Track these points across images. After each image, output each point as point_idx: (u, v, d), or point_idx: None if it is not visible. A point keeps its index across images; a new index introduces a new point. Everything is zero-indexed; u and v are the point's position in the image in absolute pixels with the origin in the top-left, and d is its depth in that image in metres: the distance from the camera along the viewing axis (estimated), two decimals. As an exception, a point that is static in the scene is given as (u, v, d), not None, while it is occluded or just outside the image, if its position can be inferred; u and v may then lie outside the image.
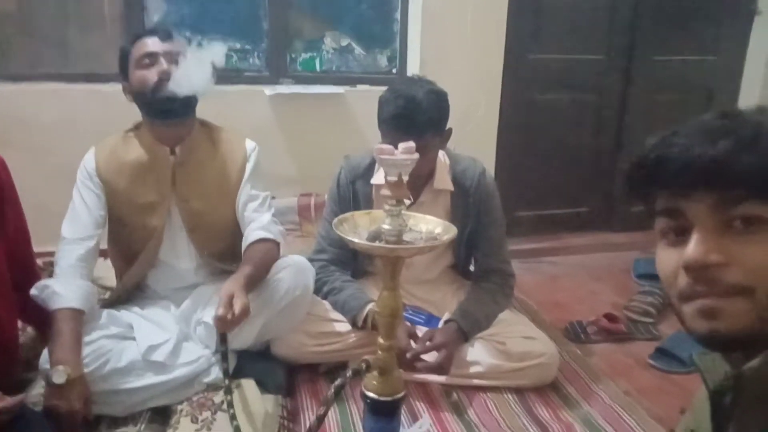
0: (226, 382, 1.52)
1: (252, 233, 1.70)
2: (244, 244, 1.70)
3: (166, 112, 1.63)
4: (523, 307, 2.29)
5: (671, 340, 2.05)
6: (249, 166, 1.77)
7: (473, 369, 1.76)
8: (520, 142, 3.03)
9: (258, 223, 1.72)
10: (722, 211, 0.65)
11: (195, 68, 1.58)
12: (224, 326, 1.48)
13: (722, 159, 0.64)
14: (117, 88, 2.46)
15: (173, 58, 1.61)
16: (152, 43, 1.63)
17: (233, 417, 1.46)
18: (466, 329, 1.75)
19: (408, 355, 1.68)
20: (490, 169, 2.46)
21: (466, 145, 2.02)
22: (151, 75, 1.60)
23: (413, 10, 2.84)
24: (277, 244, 1.72)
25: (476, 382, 1.77)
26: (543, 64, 2.98)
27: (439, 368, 1.71)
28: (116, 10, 2.60)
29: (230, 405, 1.49)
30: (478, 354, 1.77)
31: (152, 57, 1.62)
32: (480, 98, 2.85)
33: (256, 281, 1.62)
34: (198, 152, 1.71)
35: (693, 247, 0.65)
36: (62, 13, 2.57)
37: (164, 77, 1.58)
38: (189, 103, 1.64)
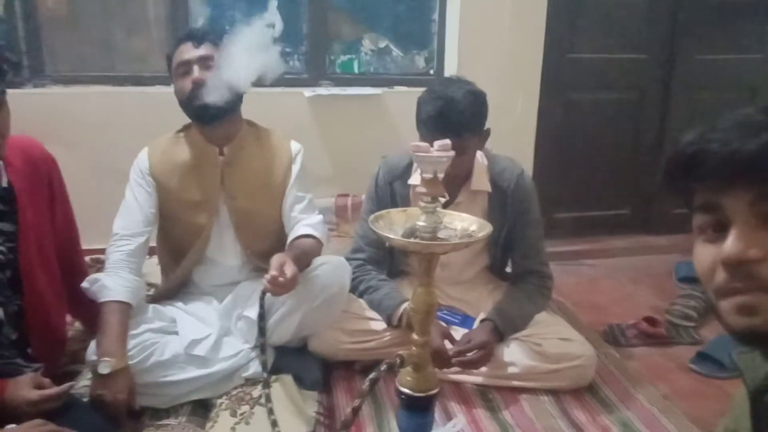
0: (265, 375, 1.56)
1: (300, 228, 1.76)
2: (290, 237, 1.75)
3: (204, 117, 1.68)
4: (560, 308, 2.26)
5: (713, 344, 2.00)
6: (295, 168, 1.82)
7: (509, 370, 1.76)
8: (559, 143, 2.99)
9: (307, 221, 1.78)
10: (761, 206, 0.64)
11: (230, 71, 1.60)
12: (276, 289, 1.51)
13: (761, 153, 0.63)
14: (161, 90, 2.55)
15: (206, 63, 1.65)
16: (186, 51, 1.68)
17: (270, 411, 1.49)
18: (502, 329, 1.75)
19: (450, 353, 1.68)
20: (528, 169, 2.44)
21: (503, 146, 2.02)
22: (186, 84, 1.65)
23: (451, 10, 2.84)
24: (321, 244, 1.76)
25: (512, 383, 1.76)
26: (582, 64, 2.94)
27: (476, 364, 1.71)
28: (161, 12, 2.68)
29: (268, 399, 1.52)
30: (514, 354, 1.77)
31: (186, 65, 1.67)
32: (518, 98, 2.83)
33: (299, 266, 1.64)
34: (246, 152, 1.76)
35: (731, 243, 0.65)
36: (108, 17, 2.66)
37: (196, 86, 1.63)
38: (227, 106, 1.66)
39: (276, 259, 1.53)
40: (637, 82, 3.04)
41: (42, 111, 2.43)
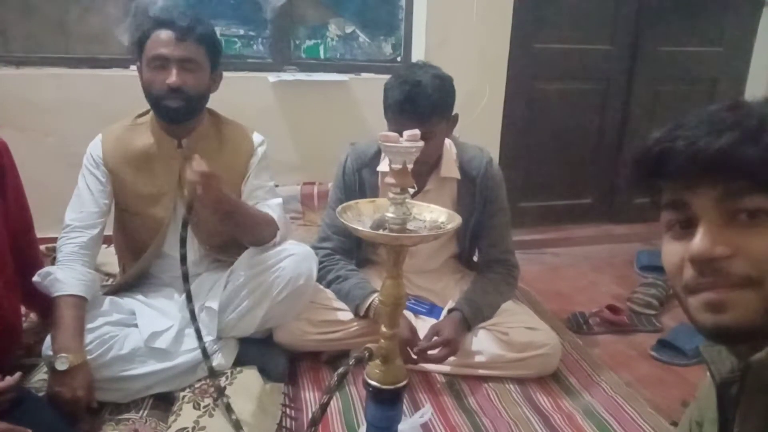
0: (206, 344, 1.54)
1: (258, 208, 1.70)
2: None
3: (171, 119, 1.61)
4: (525, 297, 2.28)
5: (673, 332, 2.05)
6: (254, 161, 1.75)
7: (476, 359, 1.77)
8: (524, 132, 3.01)
9: (265, 203, 1.71)
10: (728, 203, 0.64)
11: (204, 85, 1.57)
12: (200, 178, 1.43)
13: (727, 151, 0.63)
14: (118, 72, 2.46)
15: (187, 66, 1.56)
16: (166, 43, 1.55)
17: (228, 407, 1.46)
18: (469, 318, 1.75)
19: (415, 350, 1.68)
20: (494, 158, 2.44)
21: (470, 134, 2.01)
22: (159, 82, 1.55)
23: (418, -3, 2.82)
24: (275, 224, 1.69)
25: (478, 371, 1.77)
26: (547, 54, 2.95)
27: (442, 360, 1.71)
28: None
29: (221, 392, 1.49)
30: (481, 343, 1.78)
31: (163, 61, 1.55)
32: (484, 87, 2.83)
33: (238, 213, 1.58)
34: (205, 145, 1.68)
35: (699, 240, 0.65)
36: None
37: (172, 89, 1.53)
38: (196, 107, 1.60)
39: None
40: (602, 72, 3.07)
41: (-7, 94, 2.33)
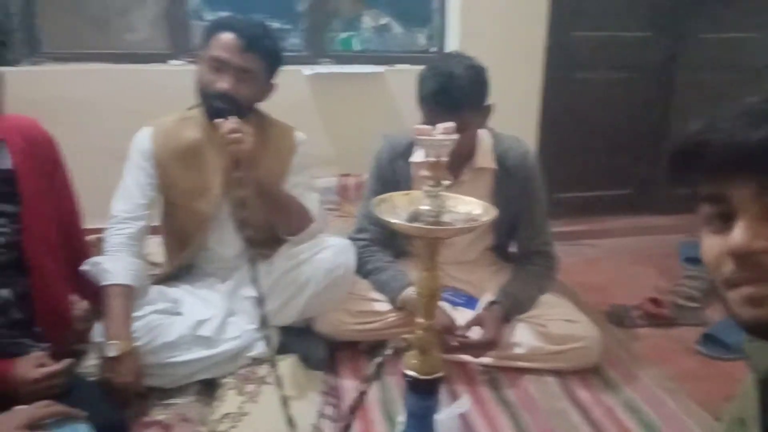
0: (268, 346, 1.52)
1: None
2: None
3: (214, 117, 1.60)
4: (563, 289, 2.25)
5: (719, 326, 2.00)
6: (295, 159, 1.77)
7: (514, 350, 1.76)
8: (562, 122, 2.97)
9: (302, 198, 1.73)
10: (766, 196, 0.63)
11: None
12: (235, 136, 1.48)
13: (765, 144, 0.62)
14: (157, 67, 2.51)
15: (245, 76, 1.58)
16: (230, 48, 1.56)
17: (279, 382, 1.44)
18: (509, 311, 1.75)
19: (455, 340, 1.68)
20: (532, 148, 2.40)
21: (506, 125, 1.99)
22: (214, 84, 1.57)
23: (453, -14, 2.80)
24: (310, 215, 1.72)
25: (517, 363, 1.76)
26: (586, 41, 2.90)
27: (482, 353, 1.71)
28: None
29: (273, 365, 1.47)
30: (519, 336, 1.77)
31: (223, 65, 1.57)
32: (521, 77, 2.80)
33: (275, 191, 1.64)
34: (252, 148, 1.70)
35: (738, 234, 0.64)
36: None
37: (226, 94, 1.55)
38: (241, 114, 1.59)
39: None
40: (642, 61, 3.00)
41: (39, 89, 2.40)
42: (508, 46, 2.74)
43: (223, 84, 1.56)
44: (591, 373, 1.77)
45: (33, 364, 1.29)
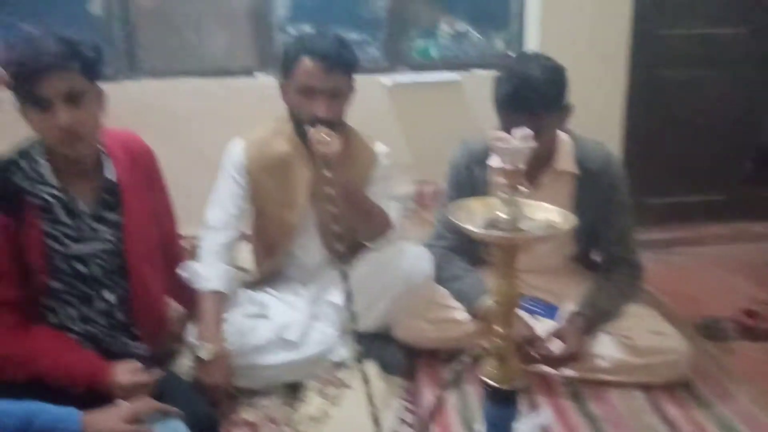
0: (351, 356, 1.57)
1: None
2: None
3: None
4: (651, 300, 2.17)
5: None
6: (376, 170, 1.82)
7: (598, 363, 1.71)
8: (649, 124, 2.86)
9: (385, 208, 1.77)
10: None
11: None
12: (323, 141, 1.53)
13: None
14: (246, 81, 2.62)
15: (334, 93, 1.62)
16: (315, 75, 1.60)
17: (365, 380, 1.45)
18: (592, 322, 1.70)
19: (536, 351, 1.66)
20: (616, 152, 2.33)
21: (589, 128, 1.94)
22: (308, 110, 1.61)
23: (532, -11, 2.76)
24: (389, 223, 1.75)
25: (600, 376, 1.72)
26: (673, 39, 2.79)
27: (564, 365, 1.68)
28: (244, 5, 2.75)
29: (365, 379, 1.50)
30: (603, 348, 1.72)
31: (312, 92, 1.61)
32: (604, 78, 2.72)
33: (358, 194, 1.68)
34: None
35: None
36: (197, 11, 2.76)
37: (321, 119, 1.59)
38: (336, 131, 1.64)
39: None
40: (734, 58, 2.84)
41: (137, 103, 2.57)
42: (590, 46, 2.68)
43: (319, 110, 1.60)
44: (680, 388, 1.70)
45: (128, 371, 1.39)
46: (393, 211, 1.79)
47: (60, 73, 1.29)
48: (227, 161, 1.79)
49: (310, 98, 1.61)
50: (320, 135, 1.53)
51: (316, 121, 1.58)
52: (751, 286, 2.41)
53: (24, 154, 1.42)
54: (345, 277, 1.47)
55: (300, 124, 1.65)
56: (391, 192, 1.85)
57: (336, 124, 1.63)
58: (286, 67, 1.66)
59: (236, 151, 1.79)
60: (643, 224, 2.63)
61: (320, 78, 1.60)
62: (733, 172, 2.95)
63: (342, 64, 1.62)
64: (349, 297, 1.47)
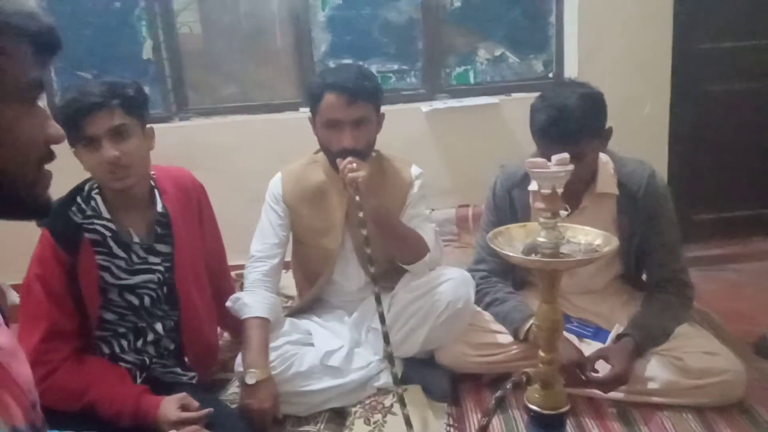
0: (393, 377, 1.57)
1: None
2: None
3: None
4: (704, 319, 2.11)
5: None
6: (413, 191, 1.84)
7: (648, 385, 1.67)
8: (695, 139, 2.80)
9: (419, 229, 1.79)
10: None
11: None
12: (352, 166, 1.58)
13: None
14: (291, 116, 2.70)
15: (359, 123, 1.66)
16: (338, 107, 1.64)
17: (406, 415, 1.49)
18: (641, 345, 1.66)
19: (586, 375, 1.63)
20: (662, 169, 2.28)
21: (632, 145, 1.92)
22: (336, 142, 1.66)
23: (569, 10, 2.77)
24: (426, 245, 1.76)
25: (651, 399, 1.67)
26: (716, 53, 2.74)
27: (612, 388, 1.65)
28: (287, 42, 2.86)
29: (402, 402, 1.53)
30: (654, 370, 1.67)
31: (337, 124, 1.65)
32: (646, 95, 2.69)
33: (392, 222, 1.72)
34: (369, 180, 1.75)
35: None
36: (241, 51, 2.88)
37: (347, 149, 1.63)
38: (367, 158, 1.70)
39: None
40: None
41: (188, 141, 2.69)
42: (631, 64, 2.66)
43: (345, 142, 1.64)
44: (735, 409, 1.64)
45: (176, 406, 1.42)
46: (429, 233, 1.81)
47: (103, 112, 1.40)
48: (268, 193, 1.87)
49: (337, 130, 1.66)
50: (348, 164, 1.58)
51: (344, 153, 1.63)
52: (807, 303, 2.31)
53: (79, 190, 1.53)
54: (378, 299, 1.50)
55: (331, 156, 1.70)
56: (427, 212, 1.87)
57: (364, 153, 1.68)
58: (312, 103, 1.72)
59: (275, 183, 1.86)
60: (692, 241, 2.58)
61: (343, 110, 1.65)
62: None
63: (364, 94, 1.66)
64: (382, 318, 1.50)
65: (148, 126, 1.53)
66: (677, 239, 1.83)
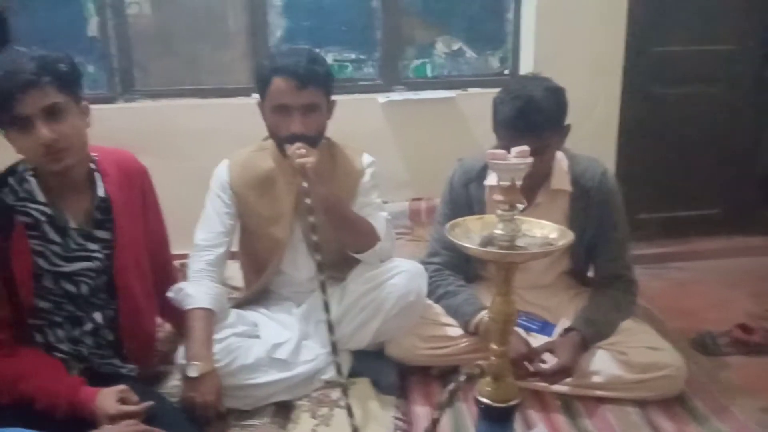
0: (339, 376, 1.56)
1: None
2: None
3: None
4: (646, 315, 2.16)
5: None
6: (365, 179, 1.82)
7: (593, 379, 1.70)
8: (644, 140, 2.89)
9: (370, 218, 1.76)
10: None
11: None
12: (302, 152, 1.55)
13: None
14: (243, 101, 2.64)
15: (309, 108, 1.62)
16: (288, 92, 1.61)
17: (349, 410, 1.48)
18: (587, 338, 1.69)
19: (533, 367, 1.65)
20: (610, 168, 2.32)
21: (584, 144, 1.95)
22: (284, 128, 1.63)
23: (527, 8, 2.79)
24: (376, 235, 1.74)
25: (595, 392, 1.70)
26: (668, 57, 2.82)
27: (557, 379, 1.66)
28: (242, 26, 2.78)
29: (344, 394, 1.52)
30: (599, 364, 1.71)
31: (286, 109, 1.62)
32: (598, 95, 2.74)
33: (339, 208, 1.69)
34: (320, 168, 1.72)
35: None
36: (193, 32, 2.79)
37: (297, 135, 1.60)
38: (316, 145, 1.66)
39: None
40: (729, 75, 2.87)
41: (133, 124, 2.59)
42: (584, 64, 2.70)
43: (294, 127, 1.61)
44: (675, 403, 1.69)
45: (115, 398, 1.35)
46: (381, 222, 1.78)
47: (35, 90, 1.29)
48: (213, 180, 1.81)
49: (286, 116, 1.62)
50: (297, 149, 1.55)
51: (293, 138, 1.59)
52: (745, 301, 2.41)
53: (12, 172, 1.43)
54: (324, 287, 1.46)
55: (280, 141, 1.66)
56: (379, 201, 1.85)
57: (314, 139, 1.64)
58: (260, 87, 1.68)
59: (221, 170, 1.81)
60: (638, 240, 2.63)
61: (292, 96, 1.61)
62: (728, 187, 2.96)
63: (314, 80, 1.62)
64: (326, 307, 1.46)
65: (83, 102, 1.43)
66: (626, 237, 1.87)
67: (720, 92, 2.90)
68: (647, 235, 2.87)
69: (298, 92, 1.61)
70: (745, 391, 1.76)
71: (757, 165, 2.92)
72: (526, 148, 1.13)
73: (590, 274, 1.99)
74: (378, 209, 1.83)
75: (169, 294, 1.68)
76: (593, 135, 2.64)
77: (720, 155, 2.94)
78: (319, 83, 1.63)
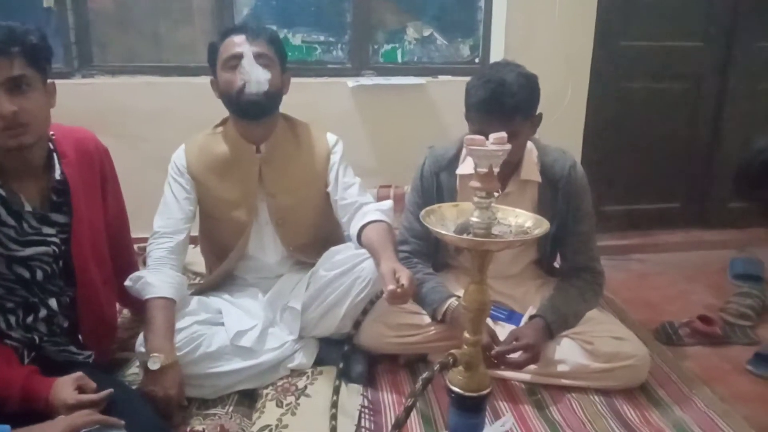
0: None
1: (371, 213, 1.73)
2: (357, 222, 1.73)
3: (251, 114, 1.67)
4: (610, 306, 2.20)
5: (773, 345, 1.92)
6: (334, 158, 1.80)
7: (559, 368, 1.72)
8: (609, 133, 2.91)
9: (374, 205, 1.76)
10: None
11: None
12: (396, 300, 1.49)
13: None
14: (207, 80, 2.56)
15: (261, 61, 1.62)
16: (239, 44, 1.62)
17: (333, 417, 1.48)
18: (552, 326, 1.70)
19: (493, 353, 1.65)
20: (577, 160, 2.33)
21: (552, 135, 1.95)
22: (237, 78, 1.62)
23: (498, -3, 2.78)
24: (392, 229, 1.73)
25: (561, 381, 1.72)
26: (634, 51, 2.84)
27: (522, 365, 1.67)
28: (206, 3, 2.69)
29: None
30: (564, 353, 1.72)
31: (238, 59, 1.62)
32: (566, 87, 2.75)
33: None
34: (283, 148, 1.74)
35: None
36: (155, 8, 2.68)
37: (252, 85, 1.59)
38: (274, 103, 1.66)
39: (387, 271, 1.50)
40: (693, 70, 2.91)
41: (91, 101, 2.49)
42: (554, 55, 2.70)
43: (247, 76, 1.60)
44: (638, 392, 1.72)
45: (72, 387, 1.29)
46: (369, 197, 1.79)
47: (2, 59, 1.23)
48: (171, 165, 1.76)
49: (237, 69, 1.61)
50: (392, 298, 1.49)
51: (249, 93, 1.60)
52: (705, 293, 2.46)
53: None
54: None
55: (241, 104, 1.63)
56: (355, 178, 1.84)
57: (271, 96, 1.64)
58: (212, 59, 1.69)
59: (178, 154, 1.76)
60: (604, 231, 2.68)
61: (244, 45, 1.62)
62: (689, 181, 3.02)
63: (266, 34, 1.66)
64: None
65: (49, 81, 1.36)
66: (593, 229, 1.88)
67: (683, 88, 2.94)
68: (610, 226, 2.91)
69: (249, 42, 1.62)
70: (704, 381, 1.80)
71: (716, 160, 2.98)
72: (503, 134, 1.12)
73: (557, 264, 2.00)
74: (363, 191, 1.82)
75: (128, 283, 1.61)
76: (561, 126, 2.63)
77: (682, 150, 2.99)
78: (270, 41, 1.66)
